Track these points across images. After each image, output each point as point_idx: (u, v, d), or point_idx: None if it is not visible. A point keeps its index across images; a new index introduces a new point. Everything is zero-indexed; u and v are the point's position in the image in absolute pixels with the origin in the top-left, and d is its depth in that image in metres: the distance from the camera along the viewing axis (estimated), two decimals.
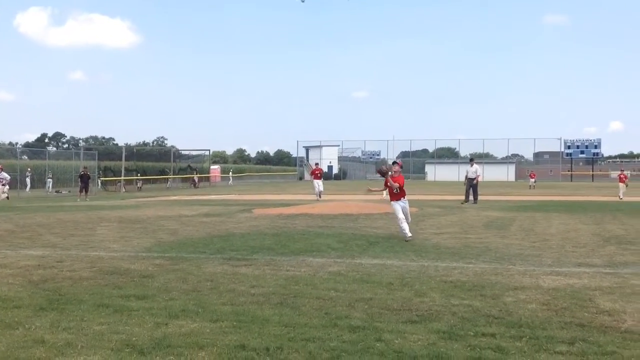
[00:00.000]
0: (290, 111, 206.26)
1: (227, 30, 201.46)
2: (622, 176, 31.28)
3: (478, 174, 25.77)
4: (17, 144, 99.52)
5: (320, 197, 28.87)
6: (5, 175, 31.73)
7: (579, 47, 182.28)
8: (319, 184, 29.63)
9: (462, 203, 24.55)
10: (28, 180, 45.83)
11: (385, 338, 5.28)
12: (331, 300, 6.83)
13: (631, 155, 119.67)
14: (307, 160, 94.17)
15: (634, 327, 5.67)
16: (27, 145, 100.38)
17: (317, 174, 30.18)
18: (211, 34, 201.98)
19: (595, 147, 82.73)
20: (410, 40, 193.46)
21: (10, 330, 5.62)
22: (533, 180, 51.00)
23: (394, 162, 12.67)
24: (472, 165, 25.90)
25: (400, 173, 12.51)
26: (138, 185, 49.23)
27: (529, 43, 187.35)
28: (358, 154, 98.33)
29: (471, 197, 25.16)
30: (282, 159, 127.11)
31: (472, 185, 25.26)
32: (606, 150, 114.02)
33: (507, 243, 11.81)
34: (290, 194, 37.09)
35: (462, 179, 26.74)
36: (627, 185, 31.30)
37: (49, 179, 45.21)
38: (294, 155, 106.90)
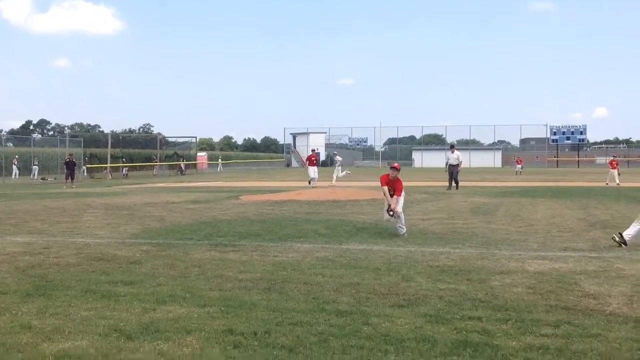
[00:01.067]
0: (276, 98, 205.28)
1: (213, 17, 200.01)
2: (614, 162, 31.11)
3: (460, 160, 25.66)
4: (1, 131, 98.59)
5: (310, 183, 27.48)
6: None
7: (564, 34, 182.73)
8: (314, 172, 27.98)
9: (447, 189, 24.54)
10: (15, 167, 45.52)
11: (372, 322, 5.31)
12: (318, 285, 6.85)
13: (616, 141, 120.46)
14: (295, 147, 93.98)
15: (619, 310, 5.74)
16: (12, 132, 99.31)
17: (313, 160, 28.61)
18: (196, 20, 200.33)
19: (581, 133, 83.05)
20: (397, 28, 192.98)
21: None
22: (520, 166, 51.21)
23: (392, 167, 11.25)
24: (453, 152, 25.69)
25: (397, 177, 11.13)
26: (124, 172, 48.84)
27: (514, 29, 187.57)
28: (345, 140, 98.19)
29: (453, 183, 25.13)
30: (269, 146, 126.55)
31: (453, 171, 25.12)
32: (591, 136, 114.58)
33: (493, 228, 11.89)
34: (277, 181, 37.05)
35: (445, 165, 26.39)
36: (619, 174, 31.16)
37: (35, 166, 44.85)
38: (281, 142, 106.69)
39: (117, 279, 7.25)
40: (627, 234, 9.35)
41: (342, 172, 33.41)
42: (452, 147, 26.89)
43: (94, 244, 10.17)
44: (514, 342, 4.76)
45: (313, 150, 31.49)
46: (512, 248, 9.48)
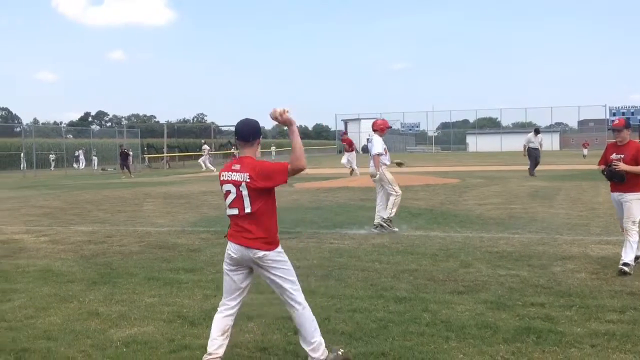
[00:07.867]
0: (328, 85, 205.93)
1: (266, 3, 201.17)
2: None
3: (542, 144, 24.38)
4: (61, 123, 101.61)
5: (351, 174, 24.97)
6: None
7: (623, 12, 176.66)
8: (349, 158, 25.94)
9: (530, 175, 22.81)
10: (82, 157, 47.58)
11: (431, 309, 5.28)
12: (376, 271, 6.85)
13: None
14: (345, 134, 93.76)
15: None
16: (71, 124, 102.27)
17: (346, 146, 26.63)
18: (248, 6, 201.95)
19: None
20: (450, 10, 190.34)
21: (65, 304, 5.80)
22: (586, 149, 49.80)
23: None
24: (536, 135, 24.21)
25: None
26: (165, 162, 46.95)
27: (571, 9, 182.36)
28: (397, 126, 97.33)
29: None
30: (320, 133, 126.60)
31: (537, 155, 23.73)
32: None
33: (553, 213, 11.63)
34: (329, 168, 37.10)
35: (522, 149, 24.51)
36: None
37: (94, 157, 46.21)
38: (333, 129, 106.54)
39: (179, 266, 7.41)
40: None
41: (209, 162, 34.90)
42: (536, 130, 25.11)
43: (155, 232, 10.41)
44: (579, 329, 4.66)
45: (344, 133, 30.24)
46: (574, 233, 9.27)
